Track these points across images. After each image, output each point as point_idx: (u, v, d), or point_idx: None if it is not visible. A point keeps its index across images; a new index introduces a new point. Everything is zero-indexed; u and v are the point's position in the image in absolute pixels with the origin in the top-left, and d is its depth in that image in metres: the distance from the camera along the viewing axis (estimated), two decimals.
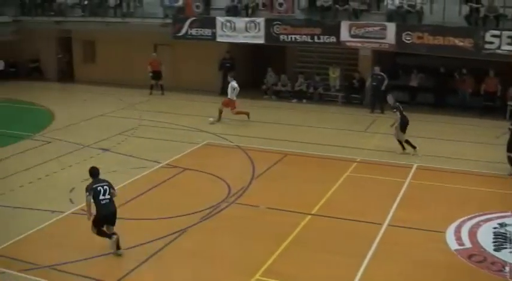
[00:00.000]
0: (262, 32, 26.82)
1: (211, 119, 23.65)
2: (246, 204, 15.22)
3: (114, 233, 12.31)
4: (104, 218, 12.31)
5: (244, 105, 24.88)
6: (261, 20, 26.83)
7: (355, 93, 27.81)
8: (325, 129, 23.00)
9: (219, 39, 27.51)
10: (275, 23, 26.59)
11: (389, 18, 25.15)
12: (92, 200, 12.23)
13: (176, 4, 28.79)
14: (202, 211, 14.62)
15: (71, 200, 15.39)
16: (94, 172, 12.71)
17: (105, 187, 12.41)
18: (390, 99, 20.12)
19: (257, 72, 30.06)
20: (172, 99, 28.56)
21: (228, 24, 27.16)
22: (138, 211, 14.69)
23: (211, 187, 16.54)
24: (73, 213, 14.60)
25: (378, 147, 20.46)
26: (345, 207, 15.07)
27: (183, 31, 28.13)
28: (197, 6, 28.18)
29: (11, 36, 33.00)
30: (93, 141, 21.02)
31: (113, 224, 12.41)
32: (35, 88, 31.67)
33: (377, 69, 25.67)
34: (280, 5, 27.08)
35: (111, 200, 12.38)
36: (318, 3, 27.02)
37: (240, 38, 27.26)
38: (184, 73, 30.54)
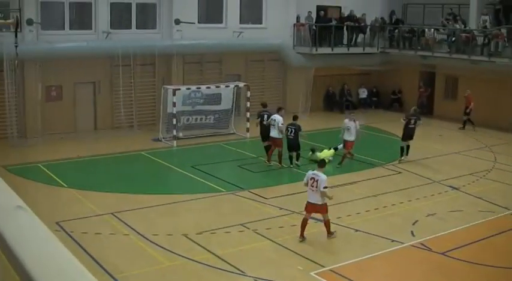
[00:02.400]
0: None
1: None
2: None
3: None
4: None
5: None
6: None
7: None
8: None
9: None
10: None
11: None
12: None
13: None
14: None
15: (412, 233, 15.75)
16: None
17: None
18: None
19: None
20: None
21: None
22: (476, 255, 14.49)
23: None
24: (412, 245, 14.93)
25: None
26: None
27: None
28: None
29: (378, 67, 34.71)
30: (443, 177, 21.19)
31: None
32: (393, 118, 32.76)
33: None
34: None
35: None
36: None
37: None
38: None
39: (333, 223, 15.81)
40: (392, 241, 15.03)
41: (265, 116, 22.71)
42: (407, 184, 20.38)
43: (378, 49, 34.25)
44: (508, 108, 30.01)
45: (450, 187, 20.15)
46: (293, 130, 21.79)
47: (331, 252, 14.59)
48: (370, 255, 14.21)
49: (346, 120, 22.52)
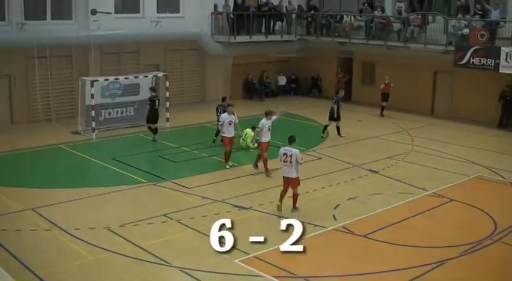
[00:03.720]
0: None
1: None
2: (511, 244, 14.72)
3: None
4: None
5: None
6: None
7: None
8: None
9: (502, 70, 26.51)
10: None
11: None
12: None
13: (460, 32, 28.36)
14: (462, 245, 14.42)
15: (334, 217, 16.09)
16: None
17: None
18: None
19: None
20: (447, 127, 28.22)
21: None
22: (397, 236, 14.96)
23: (476, 221, 16.24)
24: (334, 229, 15.26)
25: None
26: None
27: (465, 59, 27.63)
28: (482, 35, 27.49)
29: (296, 54, 35.07)
30: (363, 161, 21.73)
31: None
32: (313, 105, 33.25)
33: None
34: None
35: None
36: None
37: None
38: (461, 102, 29.97)
39: (256, 210, 16.04)
40: (315, 226, 15.30)
41: (220, 110, 23.07)
42: (328, 169, 20.76)
43: (295, 36, 34.51)
44: (423, 92, 30.95)
45: (370, 170, 20.69)
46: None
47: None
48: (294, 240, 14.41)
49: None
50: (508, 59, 26.21)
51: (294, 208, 16.38)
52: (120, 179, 19.50)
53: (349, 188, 18.68)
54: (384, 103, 30.34)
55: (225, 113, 20.77)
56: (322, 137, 25.27)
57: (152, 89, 25.12)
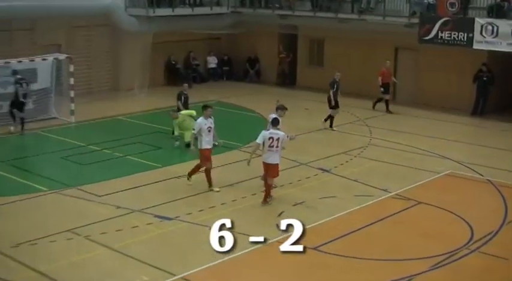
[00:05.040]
0: None
1: None
2: (492, 254, 14.80)
3: None
4: None
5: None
6: None
7: None
8: None
9: (476, 46, 26.90)
10: None
11: None
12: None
13: (426, 0, 28.60)
14: (433, 257, 14.46)
15: (277, 226, 15.92)
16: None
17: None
18: None
19: None
20: (412, 115, 28.52)
21: (490, 27, 26.48)
22: (357, 248, 14.92)
23: (449, 228, 16.34)
24: (278, 242, 15.07)
25: None
26: None
27: (432, 34, 27.93)
28: (451, 4, 27.80)
29: (229, 30, 34.90)
30: (312, 159, 21.72)
31: None
32: (250, 91, 33.17)
33: None
34: None
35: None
36: None
37: (504, 46, 26.47)
38: (428, 85, 30.32)
39: (182, 221, 15.82)
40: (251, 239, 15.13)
41: (184, 98, 23.52)
42: (248, 173, 20.53)
43: (228, 8, 34.39)
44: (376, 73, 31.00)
45: (320, 169, 20.66)
46: None
47: (181, 257, 14.47)
48: (228, 257, 14.24)
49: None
50: (484, 33, 26.53)
51: (265, 200, 17.42)
52: (13, 187, 19.01)
53: (295, 191, 18.61)
54: (387, 96, 29.45)
55: (201, 118, 18.60)
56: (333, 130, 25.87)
57: (14, 72, 24.87)
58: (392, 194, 18.58)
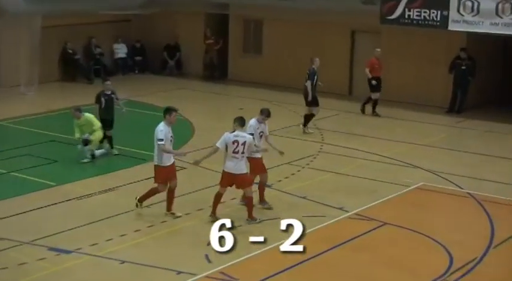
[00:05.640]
0: None
1: None
2: None
3: None
4: None
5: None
6: None
7: None
8: None
9: (452, 27, 27.24)
10: None
11: None
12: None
13: None
14: None
15: (207, 257, 15.94)
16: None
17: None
18: None
19: (509, 81, 29.76)
20: (373, 115, 28.73)
21: (469, 3, 26.86)
22: None
23: (422, 254, 16.50)
24: (208, 277, 15.12)
25: None
26: None
27: (398, 12, 28.20)
28: None
29: (140, 10, 34.84)
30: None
31: None
32: (169, 87, 33.07)
33: None
34: None
35: None
36: None
37: (486, 27, 26.87)
38: (393, 77, 30.56)
39: (87, 254, 15.72)
40: (179, 272, 15.16)
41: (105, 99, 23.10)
42: (195, 185, 20.61)
43: None
44: (336, 63, 31.22)
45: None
46: None
47: None
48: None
49: None
50: (462, 10, 26.78)
51: (251, 217, 17.82)
52: None
53: (228, 213, 18.42)
54: (377, 94, 29.15)
55: (162, 124, 18.20)
56: (306, 132, 26.17)
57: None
58: (351, 213, 18.70)
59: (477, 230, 17.87)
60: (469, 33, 27.62)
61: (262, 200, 19.02)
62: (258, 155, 18.78)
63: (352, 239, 17.15)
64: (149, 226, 17.72)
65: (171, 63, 36.34)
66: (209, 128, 24.79)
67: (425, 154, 23.76)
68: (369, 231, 17.68)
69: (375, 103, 29.24)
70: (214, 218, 17.51)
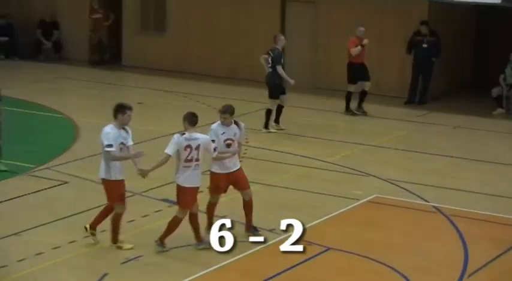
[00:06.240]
0: None
1: None
2: None
3: None
4: None
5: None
6: None
7: None
8: None
9: None
10: None
11: None
12: None
13: None
14: None
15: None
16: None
17: None
18: None
19: (483, 63, 30.01)
20: (310, 108, 28.86)
21: None
22: None
23: None
24: None
25: None
26: None
27: None
28: None
29: None
30: (152, 184, 21.71)
31: None
32: (46, 76, 32.83)
33: None
34: None
35: None
36: None
37: None
38: (334, 58, 30.72)
39: None
40: None
41: None
42: (83, 205, 20.40)
43: None
44: (261, 42, 31.11)
45: (164, 200, 20.83)
46: None
47: None
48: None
49: None
50: None
51: (162, 240, 17.72)
52: None
53: (127, 238, 18.35)
54: (367, 85, 29.17)
55: (110, 126, 18.24)
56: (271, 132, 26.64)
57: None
58: (285, 236, 18.52)
59: (446, 254, 18.05)
60: (431, 2, 27.83)
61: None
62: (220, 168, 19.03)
63: (288, 269, 16.99)
64: (54, 248, 17.43)
65: (48, 45, 36.22)
66: (98, 129, 24.45)
67: (378, 157, 23.92)
68: (308, 259, 17.52)
69: (362, 96, 29.42)
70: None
